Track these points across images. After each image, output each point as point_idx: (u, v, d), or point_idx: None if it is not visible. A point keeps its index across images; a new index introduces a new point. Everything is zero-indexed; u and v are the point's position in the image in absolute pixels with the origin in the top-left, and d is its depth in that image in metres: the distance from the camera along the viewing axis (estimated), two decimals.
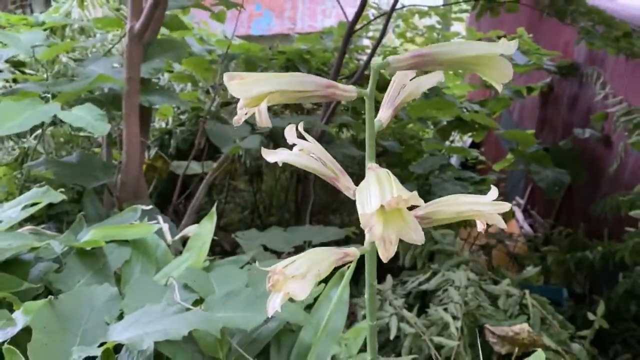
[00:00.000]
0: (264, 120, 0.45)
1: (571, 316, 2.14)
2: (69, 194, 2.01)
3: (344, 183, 0.52)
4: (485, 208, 0.51)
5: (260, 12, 6.06)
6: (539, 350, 1.05)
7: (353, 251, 0.51)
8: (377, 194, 0.40)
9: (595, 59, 2.89)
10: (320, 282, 1.19)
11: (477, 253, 2.67)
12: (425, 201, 1.67)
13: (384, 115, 0.50)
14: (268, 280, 0.47)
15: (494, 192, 0.52)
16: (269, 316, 0.47)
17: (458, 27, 3.69)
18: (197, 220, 1.56)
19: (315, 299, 1.11)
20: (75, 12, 3.34)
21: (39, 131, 2.27)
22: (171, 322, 0.80)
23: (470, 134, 3.25)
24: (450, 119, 2.80)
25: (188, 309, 0.90)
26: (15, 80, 2.27)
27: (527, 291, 1.68)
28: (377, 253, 0.50)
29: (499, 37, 2.05)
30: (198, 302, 0.98)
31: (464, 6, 3.38)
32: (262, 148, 0.53)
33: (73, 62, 2.33)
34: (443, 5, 3.38)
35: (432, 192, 2.44)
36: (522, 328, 1.51)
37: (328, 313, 0.93)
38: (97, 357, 0.88)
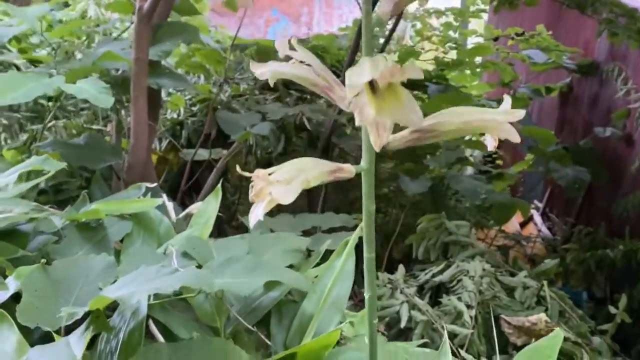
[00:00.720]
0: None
1: (591, 316, 2.06)
2: (77, 180, 2.00)
3: (339, 93, 0.48)
4: (497, 117, 0.45)
5: (277, 17, 6.06)
6: (557, 329, 0.99)
7: (348, 167, 0.46)
8: (368, 68, 0.36)
9: (617, 56, 2.81)
10: (323, 257, 1.14)
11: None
12: (442, 197, 1.60)
13: (383, 9, 0.45)
14: (251, 189, 0.42)
15: (507, 101, 0.47)
16: (251, 226, 0.42)
17: (476, 24, 3.64)
18: None
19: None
20: (91, 10, 3.36)
21: (53, 122, 2.27)
22: (163, 280, 0.76)
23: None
24: None
25: None
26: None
27: (545, 282, 1.61)
28: (374, 173, 0.45)
29: (518, 35, 1.99)
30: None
31: (482, 6, 3.34)
32: (251, 61, 0.49)
33: None
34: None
35: (449, 186, 2.39)
36: (539, 318, 1.44)
37: (331, 281, 0.88)
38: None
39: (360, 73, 0.35)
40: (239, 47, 2.37)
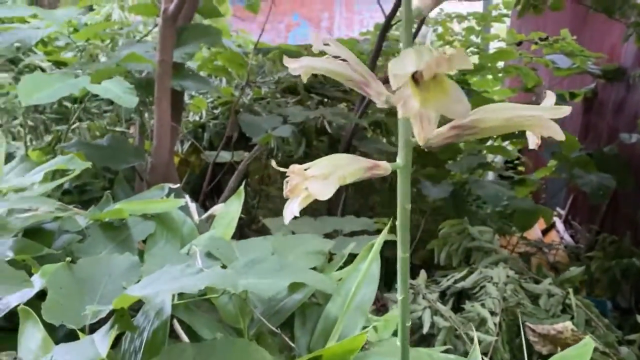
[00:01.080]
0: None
1: (617, 326, 2.01)
2: (100, 181, 2.02)
3: (376, 88, 0.46)
4: (541, 113, 0.44)
5: (298, 22, 6.08)
6: (587, 337, 0.97)
7: (384, 164, 0.45)
8: (413, 58, 0.34)
9: None
10: (348, 260, 1.13)
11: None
12: (463, 203, 1.58)
13: (424, 0, 0.44)
14: (285, 184, 0.41)
15: (551, 97, 0.45)
16: (286, 223, 0.41)
17: (498, 29, 3.60)
18: None
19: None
20: (115, 13, 3.40)
21: (77, 124, 2.30)
22: (188, 279, 0.75)
23: (509, 141, 3.15)
24: None
25: None
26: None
27: (570, 290, 1.58)
28: (410, 170, 0.44)
29: (542, 39, 1.96)
30: None
31: (504, 11, 3.31)
32: (284, 57, 0.48)
33: None
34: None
35: (469, 192, 2.36)
36: (565, 327, 1.41)
37: (355, 284, 0.87)
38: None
39: (405, 63, 0.34)
40: (261, 51, 2.37)
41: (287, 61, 0.48)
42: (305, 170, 0.41)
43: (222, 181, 2.24)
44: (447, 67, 0.34)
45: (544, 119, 0.44)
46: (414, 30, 2.26)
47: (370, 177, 0.45)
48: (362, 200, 2.94)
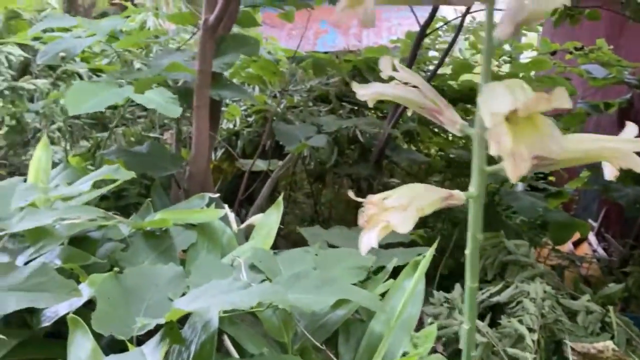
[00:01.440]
0: (369, 19, 0.39)
1: None
2: (136, 188, 2.04)
3: (449, 117, 0.46)
4: (622, 145, 0.43)
5: (326, 29, 6.08)
6: None
7: (458, 194, 0.45)
8: (507, 96, 0.34)
9: None
10: (390, 276, 1.12)
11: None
12: (496, 214, 1.55)
13: (503, 31, 0.43)
14: (361, 215, 0.41)
15: (631, 128, 0.45)
16: (363, 254, 0.41)
17: (529, 38, 3.56)
18: None
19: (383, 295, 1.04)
20: (150, 21, 3.45)
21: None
22: (238, 295, 0.76)
23: None
24: None
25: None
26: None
27: (611, 308, 1.54)
28: (482, 202, 0.44)
29: (577, 49, 1.93)
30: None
31: None
32: (354, 83, 0.48)
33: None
34: None
35: (499, 202, 2.33)
36: (606, 346, 1.38)
37: (402, 301, 0.87)
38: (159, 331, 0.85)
39: (501, 102, 0.34)
40: (294, 59, 2.39)
41: (357, 87, 0.48)
42: (383, 199, 0.41)
43: (253, 189, 2.25)
44: (546, 106, 0.34)
45: (627, 151, 0.43)
46: (446, 38, 2.24)
47: (446, 207, 0.44)
48: None
